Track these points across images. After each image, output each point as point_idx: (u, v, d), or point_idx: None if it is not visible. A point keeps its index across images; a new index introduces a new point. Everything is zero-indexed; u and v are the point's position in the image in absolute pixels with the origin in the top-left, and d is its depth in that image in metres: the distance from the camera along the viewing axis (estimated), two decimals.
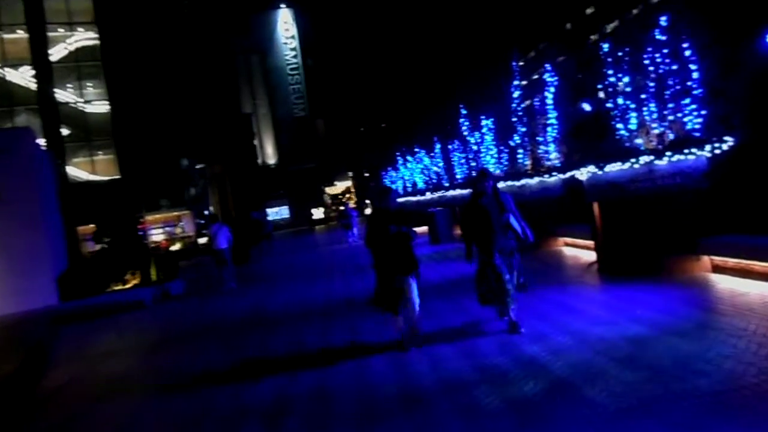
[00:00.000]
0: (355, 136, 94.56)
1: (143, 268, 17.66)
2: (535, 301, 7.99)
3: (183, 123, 43.00)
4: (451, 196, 23.31)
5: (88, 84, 42.75)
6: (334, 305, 10.31)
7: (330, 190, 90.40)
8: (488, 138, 18.63)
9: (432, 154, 28.23)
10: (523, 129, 13.76)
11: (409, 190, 36.98)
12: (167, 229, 45.24)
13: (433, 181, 28.30)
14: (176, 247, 40.43)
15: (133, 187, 39.56)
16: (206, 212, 44.09)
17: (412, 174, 35.14)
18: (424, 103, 58.95)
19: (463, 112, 19.14)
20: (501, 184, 14.35)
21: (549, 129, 13.45)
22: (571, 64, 13.87)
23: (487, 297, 6.80)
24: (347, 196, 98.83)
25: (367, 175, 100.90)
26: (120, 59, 40.93)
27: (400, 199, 30.89)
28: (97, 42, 41.13)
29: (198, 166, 46.99)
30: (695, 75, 8.40)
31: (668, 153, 8.30)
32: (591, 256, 10.96)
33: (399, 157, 39.71)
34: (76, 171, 41.35)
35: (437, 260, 14.75)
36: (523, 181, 13.21)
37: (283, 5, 76.18)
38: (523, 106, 13.69)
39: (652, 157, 8.39)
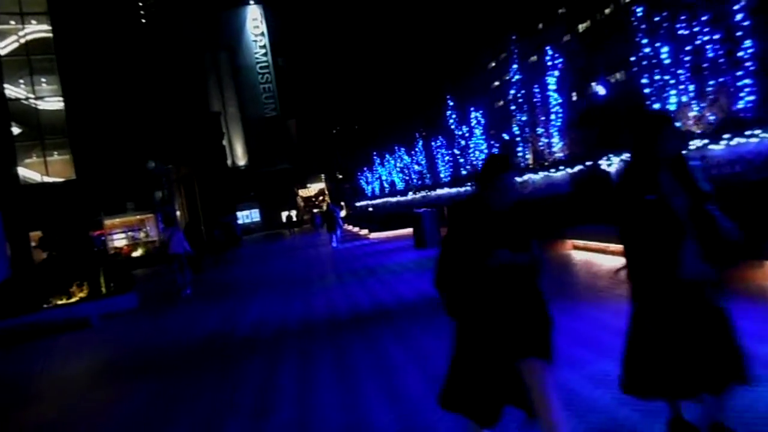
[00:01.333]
0: (329, 137, 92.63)
1: (92, 278, 15.51)
2: (573, 321, 6.27)
3: (147, 122, 40.49)
4: (436, 196, 21.66)
5: (42, 79, 39.98)
6: (315, 326, 8.44)
7: (303, 193, 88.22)
8: (478, 131, 17.00)
9: (413, 152, 26.58)
10: (524, 118, 12.12)
11: (387, 191, 35.25)
12: (130, 233, 42.61)
13: (414, 180, 26.64)
14: (138, 252, 37.94)
15: (91, 190, 36.93)
16: (161, 217, 41.69)
17: (390, 174, 33.45)
18: (404, 98, 57.40)
19: (450, 103, 17.48)
20: None
21: (552, 117, 11.85)
22: (578, 43, 12.28)
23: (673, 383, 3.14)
24: (321, 198, 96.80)
25: (340, 176, 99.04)
26: (75, 53, 38.28)
27: (374, 201, 28.52)
28: (50, 35, 38.41)
29: (165, 168, 44.52)
30: (746, 45, 6.81)
31: (726, 136, 6.68)
32: (609, 261, 9.33)
33: (376, 157, 38.01)
34: (29, 172, 38.54)
35: (425, 267, 12.97)
36: (525, 177, 11.58)
37: (252, 1, 73.86)
38: (522, 93, 12.05)
39: (705, 141, 6.76)
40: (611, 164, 7.08)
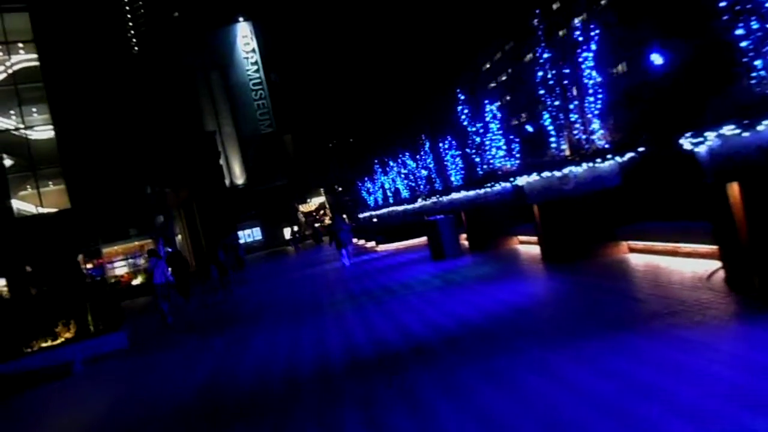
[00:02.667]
0: (326, 150, 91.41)
1: (80, 316, 14.00)
2: (690, 362, 4.72)
3: (142, 146, 39.13)
4: (448, 201, 20.13)
5: (32, 109, 38.71)
6: (332, 373, 6.86)
7: (303, 208, 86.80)
8: (494, 126, 15.50)
9: (418, 156, 25.09)
10: (557, 103, 10.61)
11: (391, 199, 33.76)
12: (131, 260, 41.16)
13: (422, 186, 25.14)
14: (138, 280, 36.41)
15: (86, 219, 35.50)
16: (162, 242, 40.18)
17: (393, 181, 31.93)
18: (406, 100, 55.94)
19: (461, 97, 16.00)
20: (524, 179, 11.18)
21: (591, 100, 10.35)
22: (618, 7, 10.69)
23: None
24: (321, 212, 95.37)
25: (339, 189, 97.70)
26: (64, 80, 37.02)
27: (378, 211, 26.55)
28: (37, 63, 37.17)
29: (162, 191, 43.11)
30: None
31: None
32: (686, 265, 7.78)
33: (377, 166, 36.52)
34: (23, 204, 37.17)
35: (453, 284, 11.43)
36: (566, 170, 10.04)
37: (241, 19, 72.83)
38: (553, 73, 10.55)
39: None
40: (699, 142, 5.52)
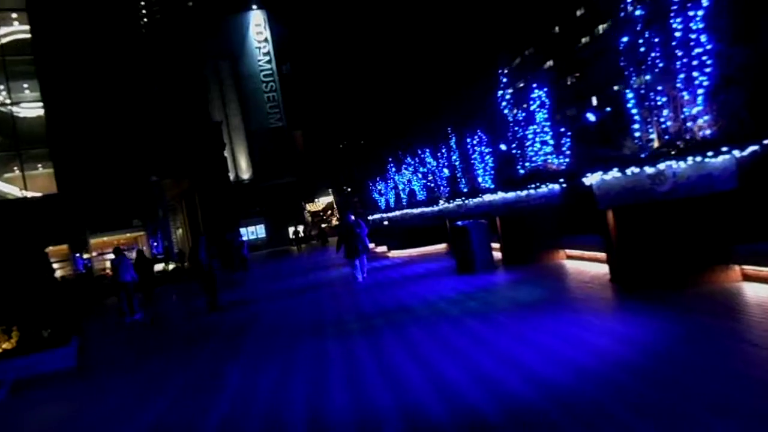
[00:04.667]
0: (336, 148, 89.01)
1: (26, 322, 11.39)
2: None
3: (141, 131, 36.58)
4: (475, 205, 17.42)
5: (23, 85, 36.29)
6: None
7: (310, 207, 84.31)
8: (541, 115, 12.80)
9: (440, 154, 22.37)
10: (647, 78, 7.91)
11: (405, 201, 31.07)
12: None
13: (442, 188, 22.43)
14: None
15: (73, 206, 33.01)
16: (160, 234, 37.70)
17: (409, 182, 29.21)
18: (430, 92, 52.95)
19: (504, 81, 13.28)
20: (595, 177, 8.48)
21: (696, 75, 7.65)
22: None
23: None
24: (329, 212, 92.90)
25: (348, 190, 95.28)
26: (58, 56, 34.55)
27: (390, 214, 22.83)
28: (28, 35, 34.76)
29: (160, 180, 40.54)
30: None
31: None
32: None
33: (391, 165, 33.80)
34: (7, 187, 34.76)
35: (496, 309, 8.71)
36: (662, 166, 7.35)
37: (254, 7, 70.39)
38: (647, 37, 7.83)
39: None
40: None
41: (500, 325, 7.29)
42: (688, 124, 7.91)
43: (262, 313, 12.28)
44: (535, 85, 12.66)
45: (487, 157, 17.67)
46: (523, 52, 53.62)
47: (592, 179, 8.62)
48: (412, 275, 14.05)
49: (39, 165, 36.47)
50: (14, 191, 34.76)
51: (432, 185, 23.80)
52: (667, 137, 8.07)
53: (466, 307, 8.92)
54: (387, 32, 71.01)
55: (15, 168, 35.55)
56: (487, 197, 14.31)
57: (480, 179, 18.10)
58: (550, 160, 12.88)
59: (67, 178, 34.14)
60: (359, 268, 14.61)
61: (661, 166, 7.42)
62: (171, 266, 32.14)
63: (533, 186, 12.39)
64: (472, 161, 18.40)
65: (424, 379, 5.50)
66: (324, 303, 12.06)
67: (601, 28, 46.62)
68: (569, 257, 12.12)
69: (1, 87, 34.79)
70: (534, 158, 13.23)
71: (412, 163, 27.05)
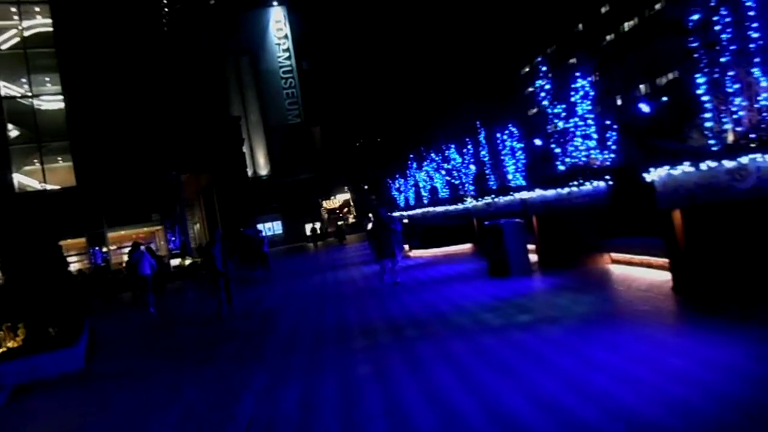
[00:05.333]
0: (355, 145, 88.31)
1: (34, 319, 10.75)
2: None
3: (160, 126, 36.07)
4: (505, 203, 16.51)
5: (45, 78, 35.98)
6: None
7: (327, 204, 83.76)
8: (583, 108, 11.87)
9: (466, 149, 21.47)
10: (722, 61, 6.95)
11: (427, 199, 30.20)
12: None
13: (467, 185, 21.53)
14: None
15: (91, 199, 32.59)
16: (178, 229, 37.21)
17: (431, 179, 28.32)
18: (454, 87, 51.56)
19: (543, 69, 12.36)
20: (660, 172, 7.56)
21: None
22: None
23: None
24: (345, 210, 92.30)
25: (366, 187, 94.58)
26: (79, 49, 34.13)
27: (410, 212, 21.40)
28: (49, 28, 34.39)
29: (178, 175, 40.10)
30: None
31: None
32: None
33: (411, 161, 32.94)
34: (27, 179, 34.46)
35: (547, 320, 7.82)
36: (745, 159, 6.41)
37: (275, 3, 69.87)
38: (720, 17, 6.89)
39: None
40: None
41: (554, 340, 6.41)
42: (765, 114, 6.95)
43: (280, 317, 11.48)
44: (578, 74, 11.73)
45: (519, 152, 16.76)
46: (563, 38, 50.49)
47: (654, 175, 7.68)
48: (441, 277, 13.18)
49: (59, 158, 36.17)
50: (33, 184, 34.46)
51: (456, 182, 22.89)
52: (740, 128, 7.12)
53: (508, 316, 8.05)
54: (408, 24, 69.88)
55: (35, 161, 35.26)
56: (522, 195, 13.38)
57: (510, 176, 17.19)
58: (593, 156, 11.95)
59: (86, 172, 33.74)
60: (389, 271, 13.05)
61: (744, 159, 6.48)
62: (188, 261, 31.60)
63: (575, 183, 11.45)
64: (502, 157, 17.49)
65: (481, 410, 4.65)
66: (347, 307, 11.24)
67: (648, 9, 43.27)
68: (615, 261, 11.17)
69: (23, 80, 34.49)
70: (574, 154, 12.31)
71: (435, 159, 26.16)
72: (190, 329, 12.05)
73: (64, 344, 9.40)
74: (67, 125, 33.96)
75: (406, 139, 53.24)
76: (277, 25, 70.14)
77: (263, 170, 69.01)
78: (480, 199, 18.03)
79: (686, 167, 7.04)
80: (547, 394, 4.70)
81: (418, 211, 30.59)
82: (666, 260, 8.43)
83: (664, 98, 11.13)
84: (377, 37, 76.07)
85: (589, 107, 11.82)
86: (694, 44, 7.31)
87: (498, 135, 17.44)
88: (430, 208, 27.72)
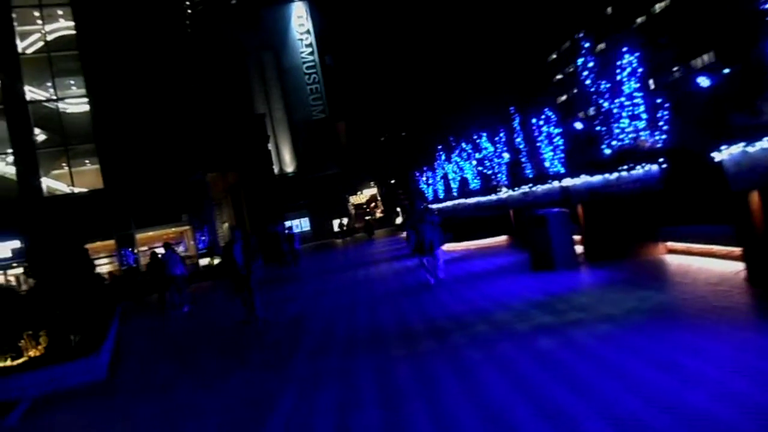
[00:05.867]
0: (380, 140, 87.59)
1: (56, 325, 10.34)
2: None
3: (185, 126, 35.88)
4: (543, 192, 15.63)
5: (70, 82, 36.06)
6: None
7: (354, 199, 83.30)
8: (630, 86, 10.95)
9: (498, 137, 20.61)
10: None
11: (456, 191, 29.36)
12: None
13: (499, 174, 20.67)
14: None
15: (119, 200, 32.54)
16: (207, 229, 36.99)
17: (461, 170, 27.48)
18: (486, 71, 49.99)
19: (585, 45, 11.46)
20: (726, 152, 6.69)
21: None
22: None
23: None
24: (372, 204, 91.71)
25: (393, 182, 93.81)
26: (102, 51, 34.06)
27: (440, 204, 20.21)
28: (72, 31, 34.37)
29: (204, 175, 39.91)
30: None
31: None
32: None
33: (440, 153, 32.11)
34: (55, 183, 34.59)
35: (626, 325, 7.01)
36: None
37: None
38: None
39: None
40: None
41: (626, 344, 5.61)
42: None
43: (310, 320, 10.83)
44: (625, 49, 10.82)
45: (557, 138, 15.86)
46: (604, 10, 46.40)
47: (725, 154, 6.80)
48: (480, 272, 12.40)
49: (86, 161, 36.26)
50: (62, 187, 34.57)
51: (489, 172, 22.03)
52: None
53: (562, 314, 7.26)
54: (432, 13, 68.62)
55: (63, 164, 35.37)
56: (565, 182, 12.51)
57: (547, 163, 16.31)
58: (642, 137, 11.04)
59: (113, 174, 33.71)
60: (430, 267, 11.81)
61: None
62: (216, 261, 31.34)
63: (625, 168, 10.55)
64: (538, 143, 16.61)
65: None
66: (382, 307, 10.55)
67: None
68: (671, 251, 10.25)
69: (48, 83, 34.59)
70: (621, 136, 11.40)
71: (465, 149, 25.29)
72: (216, 334, 11.50)
73: (85, 353, 8.90)
74: (92, 128, 33.94)
75: (432, 130, 52.23)
76: (299, 20, 69.74)
77: (289, 167, 68.83)
78: (516, 188, 17.15)
79: (766, 143, 6.16)
80: (634, 415, 3.93)
81: (448, 203, 29.77)
82: (737, 249, 7.54)
83: (727, 70, 10.16)
84: (400, 28, 75.09)
85: (638, 85, 10.91)
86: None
87: (533, 121, 16.57)
88: (461, 200, 26.89)
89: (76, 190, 33.93)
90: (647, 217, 10.55)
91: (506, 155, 19.60)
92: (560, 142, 15.72)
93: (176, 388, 7.52)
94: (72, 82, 36.02)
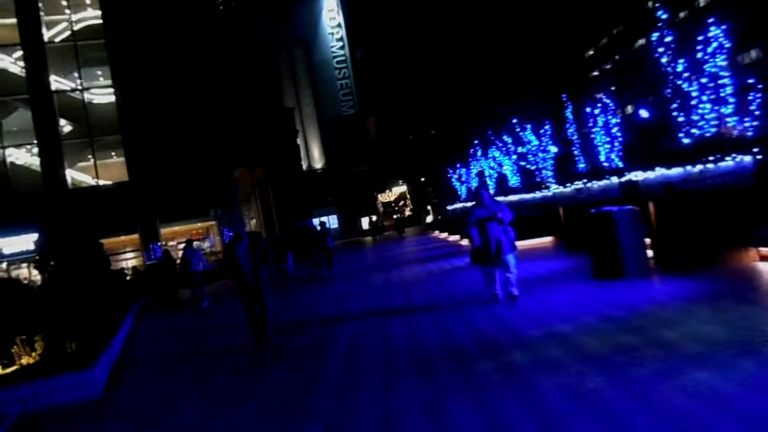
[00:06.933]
0: (410, 136, 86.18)
1: (53, 329, 9.21)
2: None
3: (214, 119, 34.98)
4: (600, 188, 14.02)
5: (97, 72, 35.47)
6: None
7: (383, 197, 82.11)
8: (716, 62, 9.34)
9: (542, 131, 19.00)
10: None
11: (493, 189, 27.74)
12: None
13: (543, 171, 19.08)
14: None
15: (145, 194, 31.75)
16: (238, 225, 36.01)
17: (500, 166, 25.87)
18: (530, 58, 47.52)
19: (663, 17, 9.86)
20: None
21: None
22: None
23: None
24: (401, 203, 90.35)
25: (423, 179, 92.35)
26: (130, 42, 33.34)
27: (472, 203, 17.34)
28: (99, 20, 33.71)
29: (230, 170, 39.00)
30: None
31: None
32: None
33: (476, 147, 30.51)
34: (80, 175, 33.99)
35: (718, 345, 5.48)
36: None
37: None
38: None
39: None
40: None
41: (754, 380, 4.11)
42: None
43: (338, 333, 9.43)
44: (711, 20, 9.19)
45: (615, 129, 14.22)
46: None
47: None
48: (532, 279, 10.87)
49: (112, 153, 35.65)
50: (87, 179, 33.97)
51: (532, 168, 20.41)
52: None
53: (645, 333, 5.76)
54: (465, 5, 66.73)
55: (89, 156, 34.77)
56: (633, 176, 10.90)
57: (602, 156, 14.68)
58: (729, 124, 9.41)
59: (138, 167, 32.96)
60: (499, 281, 8.80)
61: None
62: None
63: (711, 159, 8.94)
64: (593, 135, 14.98)
65: None
66: (421, 319, 9.12)
67: None
68: (764, 258, 8.63)
69: (75, 74, 34.02)
70: (699, 123, 9.78)
71: (506, 142, 23.68)
72: (231, 348, 10.19)
73: (78, 366, 7.69)
74: (119, 119, 33.23)
75: (467, 125, 50.53)
76: (330, 14, 68.67)
77: (318, 163, 67.83)
78: (567, 184, 15.55)
79: None
80: None
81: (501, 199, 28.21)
82: None
83: None
84: (433, 21, 73.50)
85: (724, 63, 9.28)
86: None
87: (588, 110, 14.96)
88: (500, 198, 25.28)
89: (101, 182, 33.27)
90: (736, 216, 8.93)
91: (553, 148, 17.99)
92: (618, 133, 14.08)
93: (175, 415, 6.22)
94: (99, 72, 35.42)
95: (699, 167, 9.11)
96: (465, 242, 21.85)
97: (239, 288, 8.80)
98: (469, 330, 7.48)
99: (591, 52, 57.50)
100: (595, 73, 53.97)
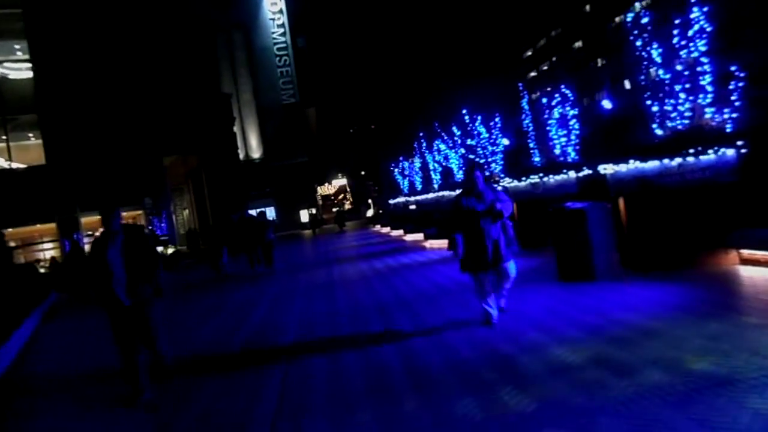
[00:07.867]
0: (352, 128, 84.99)
1: None
2: None
3: (143, 102, 32.54)
4: (557, 183, 13.29)
5: (15, 46, 32.40)
6: None
7: (322, 190, 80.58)
8: (697, 47, 8.64)
9: (492, 123, 18.24)
10: None
11: (438, 183, 27.00)
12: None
13: (491, 164, 18.34)
14: None
15: (64, 179, 29.17)
16: (165, 215, 33.89)
17: (446, 159, 25.09)
18: (479, 48, 46.67)
19: None
20: None
21: None
22: None
23: None
24: (341, 196, 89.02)
25: (363, 173, 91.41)
26: (52, 13, 30.51)
27: (417, 197, 16.27)
28: None
29: (159, 156, 36.57)
30: None
31: None
32: None
33: (422, 140, 29.68)
34: None
35: (729, 364, 4.54)
36: None
37: None
38: None
39: None
40: None
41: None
42: None
43: (275, 348, 8.16)
44: (693, 0, 8.46)
45: (572, 121, 13.53)
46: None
47: None
48: None
49: (30, 135, 32.72)
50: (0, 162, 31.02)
51: (481, 161, 19.65)
52: None
53: (634, 348, 4.84)
54: None
55: (2, 137, 31.75)
56: (602, 169, 10.11)
57: (558, 150, 14.00)
58: (707, 115, 8.72)
59: (57, 150, 30.26)
60: (491, 293, 6.69)
61: None
62: (170, 250, 28.31)
63: (691, 152, 8.21)
64: (548, 127, 14.27)
65: None
66: (374, 324, 7.99)
67: None
68: (746, 261, 7.96)
69: None
70: (672, 115, 9.08)
71: (455, 135, 22.87)
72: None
73: None
74: (35, 97, 30.42)
75: (412, 117, 49.72)
76: None
77: (255, 153, 65.55)
78: (522, 178, 14.77)
79: None
80: None
81: (430, 195, 27.37)
82: None
83: None
84: (377, 10, 72.43)
85: (704, 48, 8.58)
86: None
87: (544, 101, 14.22)
88: (445, 193, 24.49)
89: (15, 165, 30.39)
90: (715, 215, 8.25)
91: (505, 140, 17.24)
92: (576, 126, 13.40)
93: None
94: (17, 46, 32.38)
95: (678, 160, 8.36)
96: (409, 237, 20.71)
97: (109, 313, 5.66)
98: (431, 340, 6.39)
99: (543, 42, 55.64)
100: (554, 59, 51.98)
